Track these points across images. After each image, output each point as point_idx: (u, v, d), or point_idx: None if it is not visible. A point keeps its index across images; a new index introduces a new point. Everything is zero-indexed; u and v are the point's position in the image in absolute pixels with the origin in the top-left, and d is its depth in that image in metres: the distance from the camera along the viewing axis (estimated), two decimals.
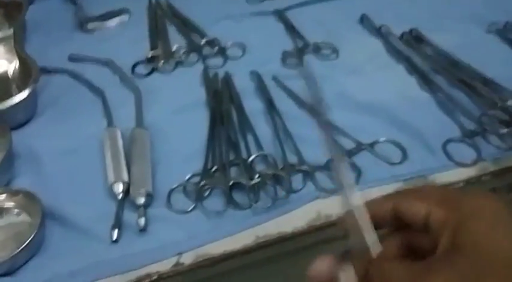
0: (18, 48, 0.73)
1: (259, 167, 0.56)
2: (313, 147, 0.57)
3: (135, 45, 0.78)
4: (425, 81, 0.65)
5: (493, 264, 0.23)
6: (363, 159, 0.57)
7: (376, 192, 0.38)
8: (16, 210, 0.53)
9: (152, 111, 0.66)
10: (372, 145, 0.58)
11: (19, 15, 0.80)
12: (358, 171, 0.55)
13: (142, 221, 0.52)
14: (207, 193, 0.55)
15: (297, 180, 0.55)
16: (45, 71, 0.72)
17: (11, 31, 0.81)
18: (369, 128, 0.60)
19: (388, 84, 0.67)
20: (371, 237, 0.27)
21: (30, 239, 0.48)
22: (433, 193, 0.28)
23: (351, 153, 0.57)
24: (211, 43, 0.77)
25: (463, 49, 0.68)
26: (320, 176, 0.55)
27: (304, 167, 0.56)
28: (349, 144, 0.58)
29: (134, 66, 0.74)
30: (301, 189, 0.54)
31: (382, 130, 0.60)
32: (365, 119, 0.62)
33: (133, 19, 0.84)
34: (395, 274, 0.25)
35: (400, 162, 0.56)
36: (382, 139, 0.58)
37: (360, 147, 0.58)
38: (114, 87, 0.71)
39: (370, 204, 0.29)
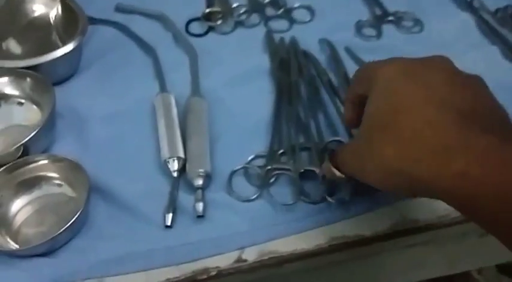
0: None
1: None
2: None
3: None
4: None
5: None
6: None
7: None
8: (57, 180, 0.47)
9: (209, 77, 0.59)
10: None
11: None
12: None
13: (200, 206, 0.45)
14: (272, 179, 0.48)
15: None
16: (91, 21, 0.64)
17: None
18: None
19: (481, 68, 0.57)
20: None
21: (74, 219, 0.42)
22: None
23: None
24: (275, 3, 0.68)
25: None
26: None
27: None
28: None
29: (188, 23, 0.66)
30: None
31: None
32: None
33: None
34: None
35: None
36: None
37: None
38: (167, 46, 0.63)
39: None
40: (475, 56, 0.60)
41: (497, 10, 0.64)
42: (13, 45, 0.65)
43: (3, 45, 0.65)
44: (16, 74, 0.53)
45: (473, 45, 0.61)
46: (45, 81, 0.52)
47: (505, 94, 0.53)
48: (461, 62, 0.58)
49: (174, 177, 0.48)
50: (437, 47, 0.60)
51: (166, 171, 0.49)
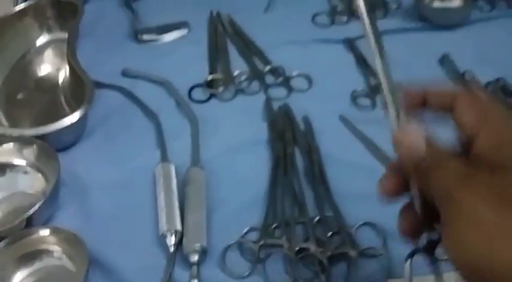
0: (71, 56, 0.68)
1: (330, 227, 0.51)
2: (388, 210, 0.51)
3: (192, 64, 0.73)
4: None
5: None
6: None
7: None
8: (58, 253, 0.48)
9: (209, 146, 0.61)
10: None
11: (73, 19, 0.75)
12: None
13: None
14: (265, 254, 0.49)
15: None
16: (98, 85, 0.67)
17: (62, 34, 0.76)
18: None
19: None
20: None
21: None
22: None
23: None
24: (275, 71, 0.71)
25: None
26: (398, 251, 0.49)
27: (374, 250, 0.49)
28: None
29: (191, 89, 0.69)
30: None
31: None
32: None
33: (193, 34, 0.79)
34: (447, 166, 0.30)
35: None
36: None
37: None
38: (169, 112, 0.66)
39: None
40: None
41: (488, 83, 0.67)
42: (22, 108, 0.67)
43: (13, 107, 0.67)
44: (22, 142, 0.56)
45: None
46: (50, 150, 0.54)
47: None
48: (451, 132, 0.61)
49: (171, 252, 0.49)
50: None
51: (164, 244, 0.50)
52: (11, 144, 0.55)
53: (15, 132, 0.57)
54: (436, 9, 0.79)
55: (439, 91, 0.34)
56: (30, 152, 0.56)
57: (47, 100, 0.69)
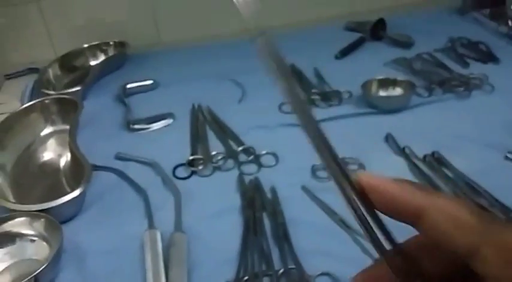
0: (73, 145, 0.80)
1: (293, 278, 0.60)
2: (347, 265, 0.61)
3: (177, 148, 0.85)
4: None
5: None
6: None
7: None
8: None
9: (190, 214, 0.71)
10: None
11: (73, 113, 0.88)
12: None
13: None
14: None
15: None
16: (94, 167, 0.79)
17: (64, 126, 0.89)
18: None
19: None
20: None
21: None
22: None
23: None
24: (247, 151, 0.83)
25: (483, 175, 0.73)
26: None
27: None
28: None
29: (175, 168, 0.80)
30: None
31: None
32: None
33: (177, 123, 0.92)
34: None
35: None
36: None
37: None
38: (156, 188, 0.77)
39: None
40: None
41: (425, 156, 0.80)
42: (29, 188, 0.78)
43: (21, 187, 0.78)
44: (31, 216, 0.66)
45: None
46: (55, 223, 0.64)
47: None
48: None
49: None
50: None
51: None
52: (23, 218, 0.65)
53: (25, 207, 0.67)
54: (381, 98, 0.94)
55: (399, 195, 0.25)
56: (38, 224, 0.65)
57: (50, 182, 0.80)
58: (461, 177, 0.74)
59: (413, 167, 0.78)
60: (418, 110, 0.92)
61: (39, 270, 0.57)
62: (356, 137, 0.86)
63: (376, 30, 1.19)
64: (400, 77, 0.98)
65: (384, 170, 0.78)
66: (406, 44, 1.14)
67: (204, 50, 1.18)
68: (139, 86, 1.03)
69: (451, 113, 0.91)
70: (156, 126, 0.91)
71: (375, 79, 0.95)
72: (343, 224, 0.68)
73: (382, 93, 0.95)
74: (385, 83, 0.95)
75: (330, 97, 0.96)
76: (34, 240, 0.65)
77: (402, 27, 1.19)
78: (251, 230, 0.68)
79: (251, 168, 0.81)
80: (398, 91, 0.95)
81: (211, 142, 0.87)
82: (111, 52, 1.13)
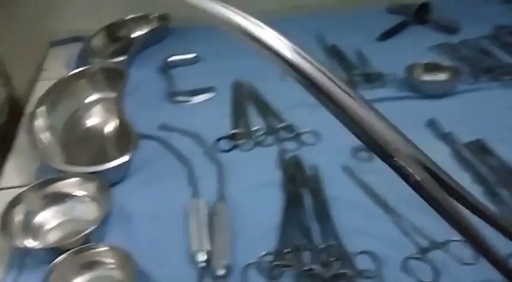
0: (120, 112, 0.82)
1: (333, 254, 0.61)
2: (386, 245, 0.62)
3: (218, 121, 0.87)
4: (490, 193, 0.69)
5: None
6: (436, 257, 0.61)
7: None
8: (111, 265, 0.59)
9: (232, 186, 0.73)
10: (445, 244, 0.62)
11: (119, 83, 0.90)
12: (435, 272, 0.59)
13: None
14: (279, 273, 0.60)
15: None
16: (140, 136, 0.80)
17: (109, 94, 0.91)
18: (436, 230, 0.64)
19: None
20: None
21: None
22: None
23: (425, 251, 0.61)
24: (287, 128, 0.84)
25: None
26: (389, 274, 0.59)
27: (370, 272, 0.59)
28: (423, 242, 0.62)
29: (217, 141, 0.82)
30: None
31: (447, 233, 0.64)
32: (431, 220, 0.66)
33: (218, 96, 0.93)
34: None
35: (474, 263, 0.59)
36: (455, 238, 0.61)
37: (434, 245, 0.62)
38: (198, 159, 0.79)
39: None
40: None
41: (469, 143, 0.79)
42: (77, 152, 0.80)
43: (69, 151, 0.80)
44: (82, 178, 0.68)
45: (447, 171, 0.75)
46: (105, 185, 0.66)
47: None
48: None
49: (201, 268, 0.60)
50: None
51: (195, 263, 0.61)
52: (76, 179, 0.68)
53: (77, 169, 0.69)
54: (426, 82, 0.93)
55: None
56: (90, 185, 0.68)
57: (96, 146, 0.83)
58: (505, 166, 0.74)
59: (456, 153, 0.78)
60: (462, 96, 0.91)
61: (90, 229, 0.60)
62: (397, 120, 0.83)
63: (420, 14, 1.17)
64: (445, 62, 0.97)
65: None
66: (451, 29, 1.12)
67: None
68: (182, 59, 1.03)
69: (497, 101, 0.89)
70: (197, 99, 0.93)
71: (420, 63, 0.94)
72: (384, 205, 0.69)
73: (426, 77, 0.94)
74: (430, 68, 0.94)
75: (372, 79, 0.95)
76: (84, 201, 0.68)
77: (447, 12, 1.17)
78: (292, 204, 0.69)
79: (291, 145, 0.81)
80: (443, 76, 0.94)
81: (251, 117, 0.88)
82: (154, 24, 1.14)
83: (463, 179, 0.72)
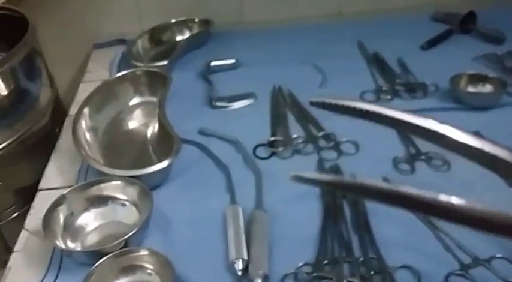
0: (162, 116, 0.83)
1: (373, 267, 0.60)
2: (427, 260, 0.60)
3: (257, 128, 0.87)
4: None
5: None
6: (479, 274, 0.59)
7: None
8: (150, 270, 0.60)
9: (270, 194, 0.73)
10: (488, 261, 0.60)
11: (161, 87, 0.91)
12: None
13: None
14: None
15: None
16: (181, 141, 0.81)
17: (151, 98, 0.92)
18: (479, 246, 0.62)
19: (497, 205, 0.69)
20: None
21: None
22: None
23: (468, 267, 0.60)
24: (327, 137, 0.83)
25: None
26: None
27: None
28: (465, 259, 0.61)
29: (256, 147, 0.82)
30: None
31: (490, 250, 0.62)
32: (474, 236, 0.64)
33: (258, 103, 0.94)
34: None
35: None
36: (498, 255, 0.60)
37: (477, 262, 0.60)
38: (238, 165, 0.79)
39: None
40: (495, 196, 0.70)
41: None
42: (117, 155, 0.82)
43: (109, 153, 0.82)
44: (125, 182, 0.69)
45: (494, 186, 0.72)
46: (146, 189, 0.67)
47: None
48: (481, 199, 0.70)
49: (239, 276, 0.59)
50: (461, 185, 0.73)
51: (233, 270, 0.60)
52: (118, 182, 0.69)
53: (120, 172, 0.70)
54: (470, 93, 0.91)
55: None
56: (130, 190, 0.69)
57: (137, 150, 0.84)
58: None
59: None
60: (508, 109, 0.88)
61: (131, 233, 0.61)
62: None
63: (466, 23, 1.14)
64: (491, 73, 0.94)
65: (471, 169, 0.75)
66: (497, 40, 1.09)
67: (287, 32, 1.18)
68: (222, 64, 1.04)
69: None
70: (237, 105, 0.93)
71: (465, 73, 0.92)
72: (426, 219, 0.67)
73: (471, 89, 0.91)
74: (475, 79, 0.92)
75: (414, 89, 0.94)
76: (125, 205, 0.69)
77: (493, 22, 1.14)
78: (331, 215, 0.68)
79: (330, 154, 0.80)
80: (488, 88, 0.91)
81: (291, 125, 0.87)
82: (195, 29, 1.16)
83: (509, 194, 0.72)
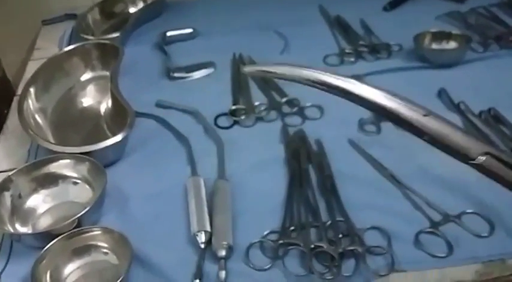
0: (114, 89, 0.78)
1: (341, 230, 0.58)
2: (397, 220, 0.58)
3: (218, 97, 0.83)
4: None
5: None
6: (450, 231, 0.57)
7: None
8: (105, 249, 0.56)
9: (233, 163, 0.69)
10: (459, 217, 0.58)
11: (115, 60, 0.85)
12: (449, 246, 0.56)
13: (223, 274, 0.53)
14: (283, 252, 0.56)
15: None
16: (136, 114, 0.77)
17: (104, 72, 0.87)
18: (448, 203, 0.61)
19: None
20: None
21: None
22: None
23: (438, 224, 0.58)
24: (290, 102, 0.80)
25: None
26: (400, 250, 0.56)
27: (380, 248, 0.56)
28: (435, 216, 0.59)
29: (217, 117, 0.78)
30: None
31: (460, 206, 0.60)
32: (443, 193, 0.63)
33: (218, 72, 0.89)
34: None
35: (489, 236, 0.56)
36: (469, 210, 0.59)
37: (447, 218, 0.59)
38: (198, 136, 0.75)
39: None
40: None
41: (481, 112, 0.75)
42: (69, 132, 0.77)
43: (61, 131, 0.77)
44: (75, 159, 0.64)
45: None
46: (99, 166, 0.63)
47: (488, 182, 0.63)
48: (450, 158, 0.69)
49: (201, 249, 0.56)
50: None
51: (195, 243, 0.57)
52: (67, 160, 0.64)
53: (68, 149, 0.66)
54: (434, 51, 0.89)
55: None
56: (82, 167, 0.64)
57: (90, 126, 0.79)
58: None
59: (469, 123, 0.74)
60: (472, 65, 0.87)
61: (82, 212, 0.57)
62: (406, 92, 0.77)
63: None
64: (455, 30, 0.92)
65: None
66: None
67: None
68: (179, 34, 0.99)
69: (508, 69, 0.85)
70: (196, 75, 0.89)
71: (429, 32, 0.90)
72: (393, 179, 0.65)
73: (435, 46, 0.89)
74: (438, 37, 0.90)
75: (378, 50, 0.91)
76: (77, 183, 0.65)
77: None
78: (297, 181, 0.65)
79: (295, 120, 0.77)
80: (452, 45, 0.89)
81: (253, 93, 0.84)
82: None
83: None
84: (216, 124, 0.77)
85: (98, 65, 0.88)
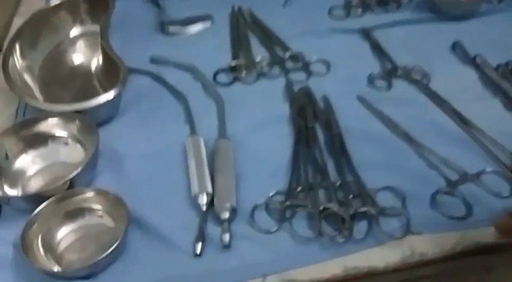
0: (106, 45, 0.72)
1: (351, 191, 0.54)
2: (411, 180, 0.55)
3: (216, 53, 0.77)
4: None
5: None
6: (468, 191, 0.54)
7: None
8: (100, 212, 0.52)
9: (234, 122, 0.65)
10: (478, 176, 0.55)
11: (105, 13, 0.79)
12: (467, 207, 0.52)
13: (226, 236, 0.50)
14: (290, 214, 0.53)
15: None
16: (128, 70, 0.72)
17: (94, 27, 0.81)
18: (465, 161, 0.57)
19: (484, 118, 0.63)
20: None
21: (114, 247, 0.47)
22: None
23: (455, 184, 0.54)
24: (294, 57, 0.75)
25: None
26: (415, 211, 0.52)
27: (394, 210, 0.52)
28: (452, 175, 0.55)
29: (216, 74, 0.73)
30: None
31: (475, 164, 0.56)
32: (459, 151, 0.59)
33: (216, 26, 0.84)
34: None
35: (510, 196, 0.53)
36: (488, 169, 0.55)
37: (465, 178, 0.55)
38: (196, 94, 0.70)
39: None
40: (478, 107, 0.65)
41: (498, 66, 0.70)
42: (58, 91, 0.72)
43: (50, 90, 0.72)
44: (65, 117, 0.60)
45: (476, 97, 0.67)
46: (90, 124, 0.59)
47: (506, 141, 0.59)
48: (466, 112, 0.65)
49: (203, 211, 0.53)
50: (445, 97, 0.66)
51: (196, 205, 0.54)
52: (56, 118, 0.60)
53: (59, 108, 0.61)
54: (447, 1, 0.83)
55: None
56: (72, 125, 0.60)
57: (81, 84, 0.74)
58: None
59: (485, 77, 0.69)
60: (488, 17, 0.81)
61: (74, 173, 0.53)
62: (418, 45, 0.76)
63: None
64: None
65: (452, 81, 0.69)
66: None
67: None
68: None
69: None
70: (192, 29, 0.83)
71: None
72: (406, 136, 0.61)
73: None
74: None
75: (387, 1, 0.85)
76: (68, 143, 0.60)
77: None
78: (303, 140, 0.61)
79: (299, 76, 0.73)
80: None
81: (254, 47, 0.78)
82: None
83: (494, 105, 0.66)
84: (215, 81, 0.72)
85: (87, 19, 0.82)
